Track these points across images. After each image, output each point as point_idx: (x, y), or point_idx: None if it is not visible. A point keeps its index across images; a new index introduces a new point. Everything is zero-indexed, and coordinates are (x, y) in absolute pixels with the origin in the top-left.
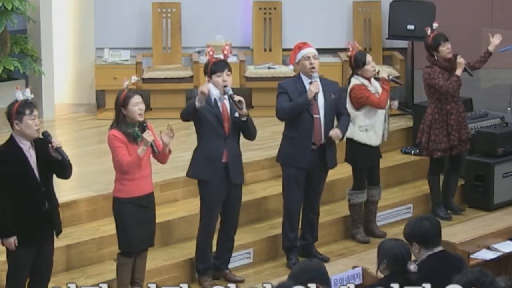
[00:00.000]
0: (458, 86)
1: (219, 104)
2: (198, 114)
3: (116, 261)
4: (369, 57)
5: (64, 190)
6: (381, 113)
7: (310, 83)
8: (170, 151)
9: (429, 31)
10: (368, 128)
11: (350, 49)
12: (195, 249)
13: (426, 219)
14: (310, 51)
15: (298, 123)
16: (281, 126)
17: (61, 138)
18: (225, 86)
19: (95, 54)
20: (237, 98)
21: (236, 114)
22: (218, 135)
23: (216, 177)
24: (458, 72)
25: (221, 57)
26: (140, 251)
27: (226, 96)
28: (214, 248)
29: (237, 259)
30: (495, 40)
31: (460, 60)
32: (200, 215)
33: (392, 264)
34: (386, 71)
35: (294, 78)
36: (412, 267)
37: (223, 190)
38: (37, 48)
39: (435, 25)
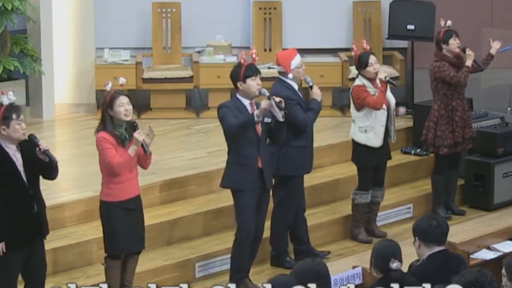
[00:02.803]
0: (467, 78)
1: (249, 110)
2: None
3: (104, 264)
4: (372, 59)
5: (64, 190)
6: (382, 114)
7: (311, 87)
8: (150, 154)
9: (442, 23)
10: (367, 129)
11: (354, 49)
12: (231, 258)
13: (434, 218)
14: (300, 59)
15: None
16: None
17: (61, 138)
18: (260, 88)
19: (95, 54)
20: (277, 99)
21: (265, 120)
22: (251, 142)
23: (252, 184)
24: (469, 63)
25: (248, 61)
26: (130, 254)
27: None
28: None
29: None
30: (496, 45)
31: (470, 52)
32: (236, 223)
33: (376, 263)
34: (384, 72)
35: (285, 85)
36: (395, 265)
37: (257, 196)
38: (37, 48)
39: (449, 22)
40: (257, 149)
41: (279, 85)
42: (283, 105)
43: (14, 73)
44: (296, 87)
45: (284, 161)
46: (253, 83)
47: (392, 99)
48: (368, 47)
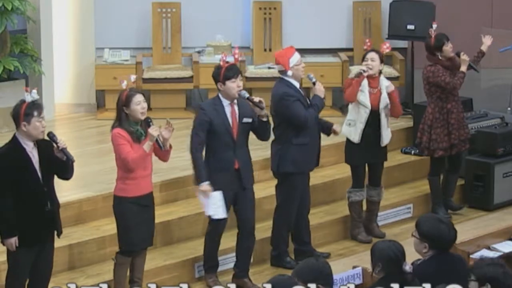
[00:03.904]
0: (462, 83)
1: (228, 112)
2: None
3: (115, 260)
4: (369, 55)
5: (65, 190)
6: (364, 112)
7: (314, 83)
8: (170, 147)
9: (432, 33)
10: (351, 123)
11: (368, 44)
12: (203, 248)
13: (447, 225)
14: (298, 56)
15: (310, 128)
16: None
17: (61, 138)
18: (240, 90)
19: (95, 54)
20: (256, 99)
21: (244, 120)
22: (226, 145)
23: (228, 184)
24: (463, 68)
25: (232, 61)
26: (140, 250)
27: (235, 102)
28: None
29: None
30: (487, 40)
31: (464, 57)
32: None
33: (387, 266)
34: (358, 68)
35: (286, 83)
36: (408, 267)
37: (232, 193)
38: (37, 48)
39: (434, 25)
40: (233, 152)
41: (279, 84)
42: (263, 105)
43: (14, 73)
44: (297, 85)
45: (284, 158)
46: (232, 85)
47: (383, 102)
48: (385, 49)
